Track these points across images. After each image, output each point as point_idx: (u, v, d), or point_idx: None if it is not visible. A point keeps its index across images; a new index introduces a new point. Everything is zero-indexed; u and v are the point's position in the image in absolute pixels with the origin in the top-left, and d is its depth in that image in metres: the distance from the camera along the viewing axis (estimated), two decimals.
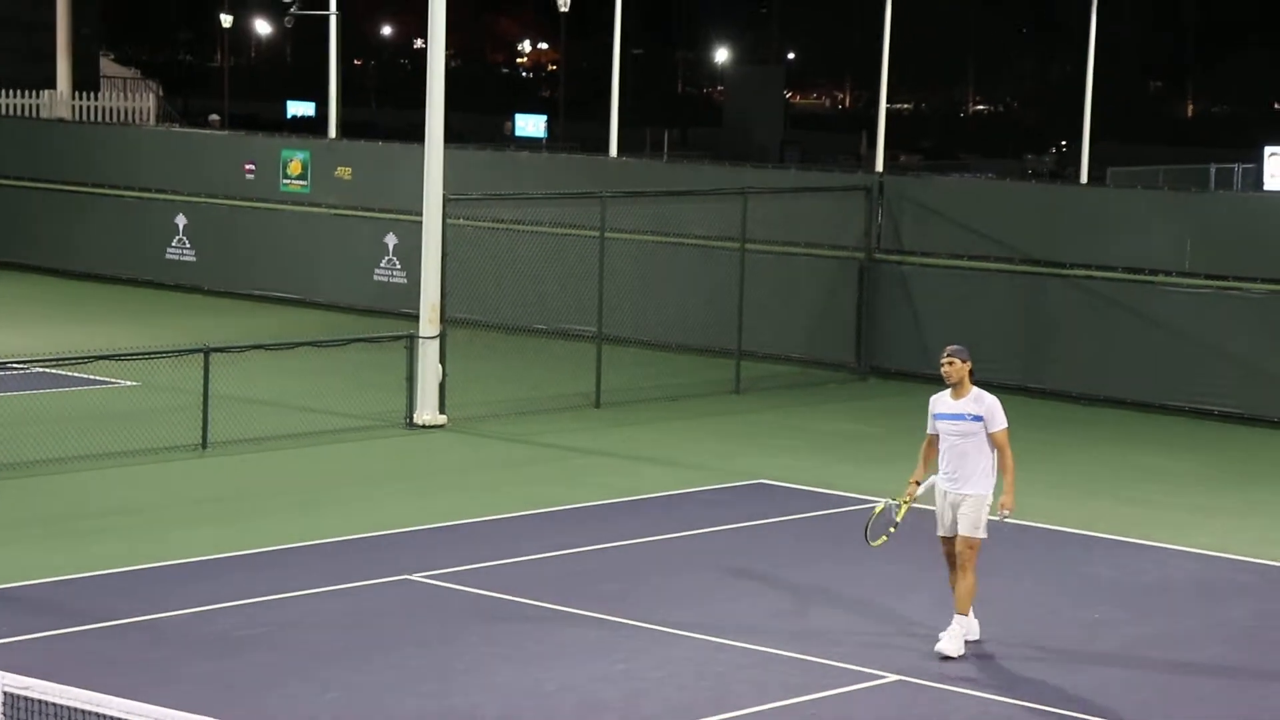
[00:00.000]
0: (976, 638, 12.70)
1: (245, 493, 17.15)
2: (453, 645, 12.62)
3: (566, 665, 12.26)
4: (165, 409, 19.54)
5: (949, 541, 12.59)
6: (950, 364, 12.55)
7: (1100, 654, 12.81)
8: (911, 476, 12.81)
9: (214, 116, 64.66)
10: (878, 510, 12.85)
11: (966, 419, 12.46)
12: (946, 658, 12.37)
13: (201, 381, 18.76)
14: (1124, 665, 12.59)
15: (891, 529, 12.74)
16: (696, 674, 12.15)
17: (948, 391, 12.65)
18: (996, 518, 12.57)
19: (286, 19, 33.69)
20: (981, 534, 12.47)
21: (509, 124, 67.89)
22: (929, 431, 12.68)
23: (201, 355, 19.14)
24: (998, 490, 12.56)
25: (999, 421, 12.45)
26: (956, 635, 12.47)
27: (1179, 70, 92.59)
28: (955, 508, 12.49)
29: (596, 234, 22.44)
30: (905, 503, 12.69)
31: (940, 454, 12.57)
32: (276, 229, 29.52)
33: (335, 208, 29.00)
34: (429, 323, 20.31)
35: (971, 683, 12.09)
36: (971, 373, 12.60)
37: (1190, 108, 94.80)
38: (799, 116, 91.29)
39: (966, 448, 12.43)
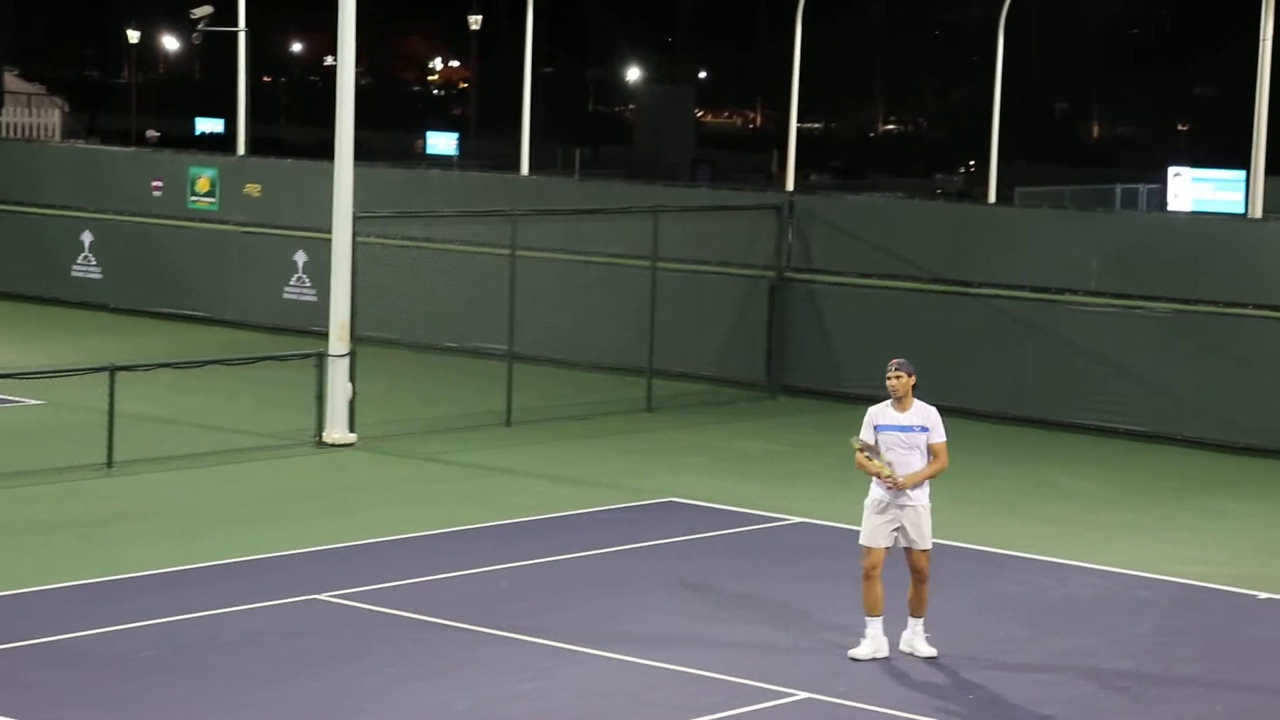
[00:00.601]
0: (886, 654, 12.76)
1: (151, 512, 16.98)
2: (360, 666, 12.53)
3: (476, 684, 12.21)
4: (70, 428, 19.33)
5: (881, 553, 12.69)
6: (897, 377, 12.76)
7: (1007, 670, 12.89)
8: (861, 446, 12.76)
9: (152, 132, 64.08)
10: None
11: (915, 430, 12.72)
12: (933, 658, 12.78)
13: (107, 400, 18.56)
14: (1031, 682, 12.67)
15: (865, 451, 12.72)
16: (606, 693, 12.13)
17: (888, 404, 12.83)
18: (889, 480, 12.64)
19: (195, 35, 33.43)
20: (931, 544, 12.83)
21: (420, 141, 67.73)
22: (864, 439, 12.75)
23: (107, 374, 18.93)
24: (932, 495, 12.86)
25: (942, 433, 12.82)
26: (924, 635, 12.89)
27: (1084, 92, 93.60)
28: (900, 520, 12.63)
29: (508, 252, 22.40)
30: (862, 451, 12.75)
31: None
32: (184, 246, 29.28)
33: (244, 225, 28.81)
34: (338, 341, 20.19)
35: (880, 699, 12.13)
36: (914, 385, 12.80)
37: (1096, 129, 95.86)
38: (710, 135, 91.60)
39: (911, 459, 12.70)
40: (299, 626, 13.39)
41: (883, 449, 12.72)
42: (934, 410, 12.89)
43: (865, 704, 12.05)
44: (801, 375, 24.17)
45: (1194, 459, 20.95)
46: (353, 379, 20.22)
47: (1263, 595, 15.07)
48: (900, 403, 12.80)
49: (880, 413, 12.84)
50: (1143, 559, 16.14)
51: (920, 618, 12.96)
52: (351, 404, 20.19)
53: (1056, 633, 13.88)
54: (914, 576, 12.87)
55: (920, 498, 12.78)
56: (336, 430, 20.05)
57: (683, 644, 13.17)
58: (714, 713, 11.82)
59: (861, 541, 12.85)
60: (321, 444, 19.96)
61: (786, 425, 22.35)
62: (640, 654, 12.90)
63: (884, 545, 12.75)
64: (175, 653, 12.69)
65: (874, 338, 23.41)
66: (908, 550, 12.81)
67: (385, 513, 17.14)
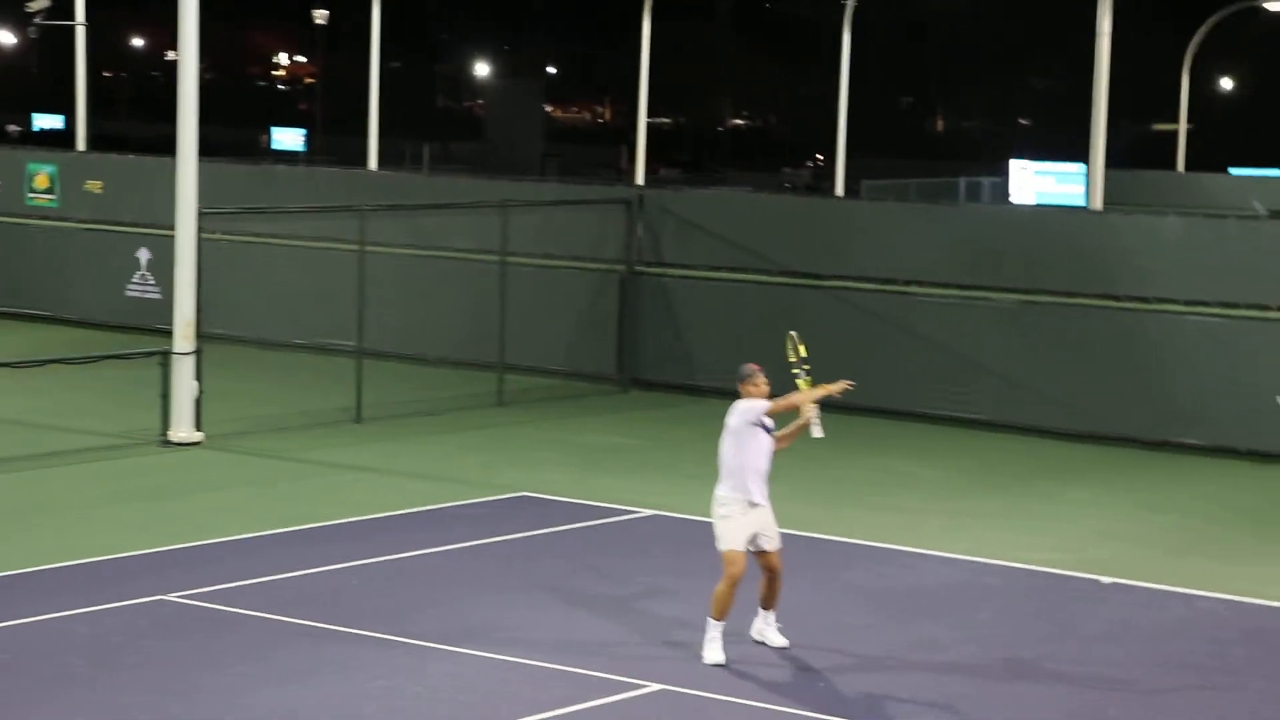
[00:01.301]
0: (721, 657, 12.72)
1: None
2: (208, 666, 12.38)
3: (325, 683, 12.10)
4: None
5: (742, 556, 12.59)
6: (764, 382, 12.80)
7: (858, 659, 13.02)
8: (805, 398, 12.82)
9: (12, 127, 62.73)
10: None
11: (772, 432, 12.85)
12: (786, 648, 12.86)
13: None
14: (881, 669, 12.81)
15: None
16: (458, 689, 12.09)
17: (760, 404, 12.72)
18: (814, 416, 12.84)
19: (31, 29, 32.86)
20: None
21: (265, 137, 67.06)
22: (734, 434, 12.68)
23: None
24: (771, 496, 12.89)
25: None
26: (774, 624, 12.96)
27: (928, 87, 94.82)
28: (752, 523, 12.60)
29: (356, 248, 22.24)
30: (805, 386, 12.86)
31: (752, 467, 12.61)
32: (24, 243, 28.77)
33: (86, 222, 28.35)
34: (183, 338, 19.94)
35: (733, 690, 12.20)
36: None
37: (940, 123, 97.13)
38: (559, 130, 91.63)
39: (767, 461, 12.80)
40: (147, 628, 13.21)
41: (756, 451, 12.64)
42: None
43: (718, 694, 12.10)
44: (652, 369, 24.24)
45: (1038, 447, 21.29)
46: (199, 377, 19.97)
47: (1105, 580, 15.35)
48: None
49: (757, 410, 12.76)
50: (989, 546, 16.37)
51: (772, 609, 13.02)
52: (198, 402, 19.95)
53: (905, 621, 14.04)
54: (767, 574, 12.87)
55: (766, 498, 12.73)
56: (182, 429, 19.80)
57: (536, 638, 13.16)
58: (567, 706, 11.82)
59: (728, 548, 12.59)
60: (167, 443, 19.70)
61: (638, 418, 22.41)
62: (493, 649, 12.86)
63: (746, 550, 12.67)
64: (19, 657, 12.45)
65: (724, 331, 23.55)
66: (761, 553, 12.73)
67: (233, 511, 16.95)
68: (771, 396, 12.80)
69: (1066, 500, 18.62)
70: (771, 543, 12.78)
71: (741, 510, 12.63)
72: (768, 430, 12.79)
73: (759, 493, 12.66)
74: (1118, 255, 21.68)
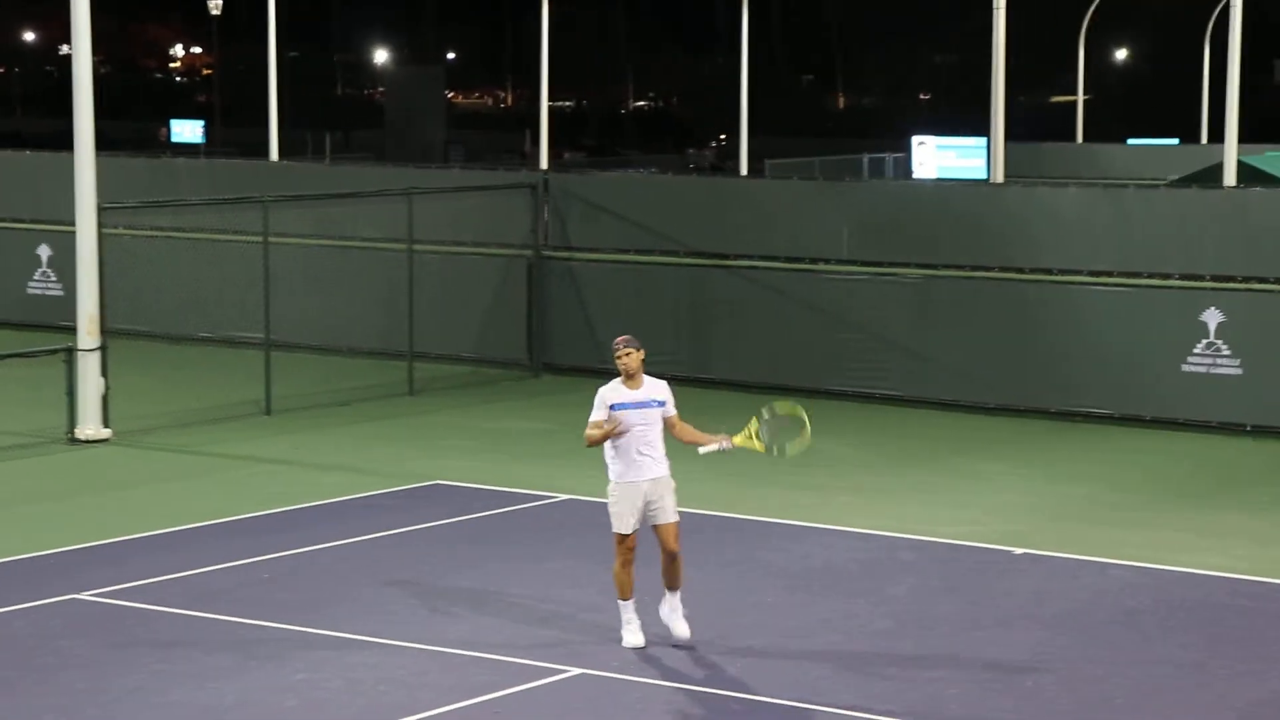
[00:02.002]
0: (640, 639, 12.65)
1: None
2: (122, 665, 12.28)
3: (244, 678, 12.03)
4: None
5: (632, 538, 12.45)
6: (628, 354, 12.53)
7: (773, 637, 13.07)
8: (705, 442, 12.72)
9: None
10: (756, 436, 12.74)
11: (653, 405, 12.54)
12: (681, 640, 12.59)
13: None
14: (798, 647, 12.87)
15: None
16: (378, 680, 12.04)
17: (618, 381, 12.57)
18: (715, 447, 12.68)
19: None
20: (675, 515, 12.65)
21: (164, 130, 66.43)
22: (600, 418, 12.51)
23: None
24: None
25: (674, 403, 12.69)
26: (682, 614, 12.69)
27: (828, 64, 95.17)
28: (651, 496, 12.45)
29: (260, 239, 22.07)
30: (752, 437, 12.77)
31: (624, 447, 12.45)
32: None
33: None
34: (88, 335, 19.74)
35: (652, 672, 12.23)
36: (643, 360, 12.65)
37: (842, 100, 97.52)
38: (461, 116, 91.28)
39: (652, 434, 12.52)
40: (59, 628, 13.07)
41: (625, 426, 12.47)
42: (664, 383, 12.69)
43: (637, 677, 12.13)
44: (563, 353, 24.23)
45: (948, 421, 21.45)
46: (105, 374, 19.78)
47: (1018, 551, 15.50)
48: (632, 379, 12.53)
49: (614, 391, 12.53)
50: (903, 521, 16.48)
51: (676, 590, 12.71)
52: (105, 399, 19.75)
53: (821, 597, 14.12)
54: (665, 552, 12.56)
55: (666, 469, 12.57)
56: (89, 426, 19.60)
57: (453, 626, 13.13)
58: (488, 693, 11.81)
59: (617, 529, 12.49)
60: (74, 441, 19.49)
61: (550, 403, 22.39)
62: (411, 638, 12.83)
63: (636, 528, 12.51)
64: None
65: (633, 313, 23.55)
66: (657, 527, 12.51)
67: (144, 508, 16.80)
68: (638, 371, 12.55)
69: (978, 473, 18.77)
70: (665, 516, 12.53)
71: (630, 491, 12.49)
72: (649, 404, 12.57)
73: (648, 466, 12.50)
74: (1020, 228, 21.86)
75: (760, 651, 12.71)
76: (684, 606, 12.77)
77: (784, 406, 13.01)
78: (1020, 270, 21.74)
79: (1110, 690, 12.06)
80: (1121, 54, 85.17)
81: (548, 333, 24.32)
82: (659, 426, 12.60)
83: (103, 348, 19.82)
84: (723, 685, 12.01)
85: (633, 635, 12.64)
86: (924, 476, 18.60)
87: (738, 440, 12.88)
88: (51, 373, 20.08)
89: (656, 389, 12.64)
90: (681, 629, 12.70)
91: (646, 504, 12.54)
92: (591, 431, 12.52)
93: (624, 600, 12.64)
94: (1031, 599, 14.12)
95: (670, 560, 12.62)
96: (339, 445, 19.77)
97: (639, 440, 12.49)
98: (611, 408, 12.53)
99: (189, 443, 19.71)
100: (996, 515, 16.90)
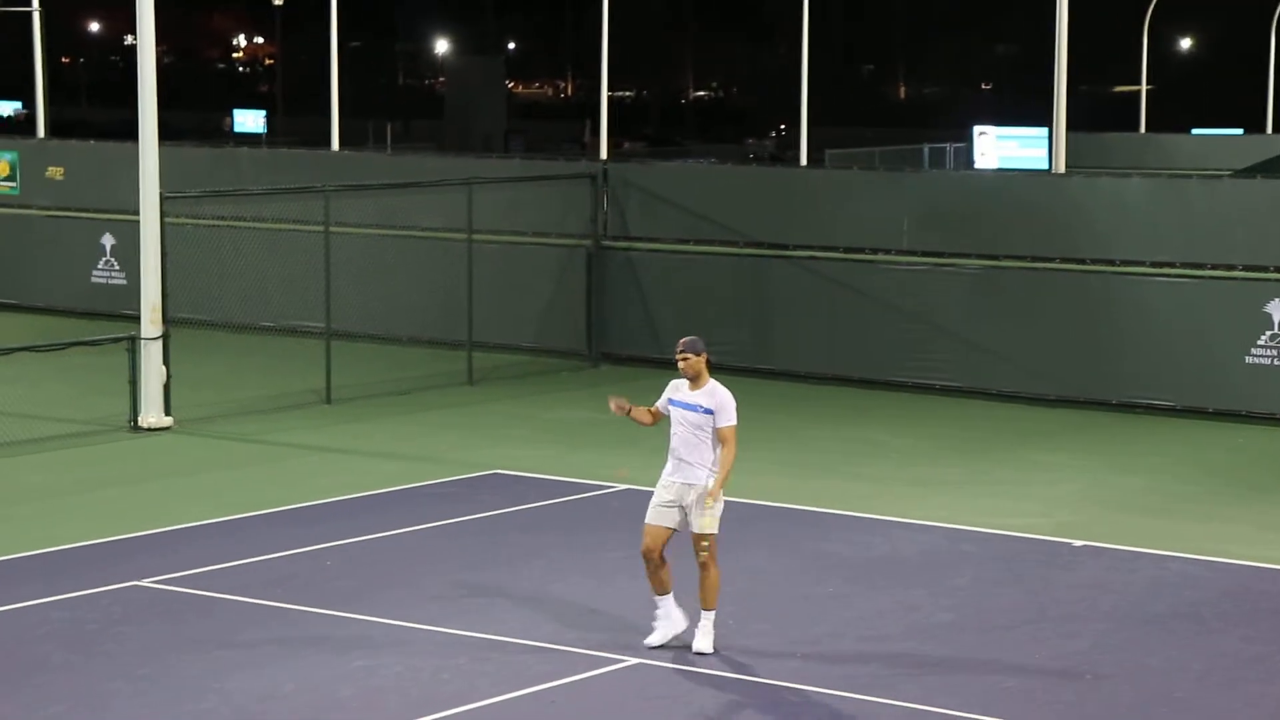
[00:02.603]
0: (682, 629, 12.40)
1: None
2: (185, 651, 12.36)
3: (303, 666, 12.09)
4: None
5: (660, 532, 12.24)
6: (684, 359, 12.31)
7: (834, 628, 13.05)
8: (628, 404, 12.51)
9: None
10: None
11: (699, 411, 12.25)
12: (703, 654, 12.25)
13: None
14: (857, 638, 12.84)
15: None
16: (436, 668, 12.09)
17: (687, 381, 12.44)
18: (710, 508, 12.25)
19: None
20: (715, 529, 12.26)
21: (228, 120, 66.80)
22: (658, 405, 12.51)
23: None
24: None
25: (727, 417, 12.23)
26: (709, 631, 12.33)
27: (890, 54, 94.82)
28: (681, 499, 12.27)
29: (321, 229, 22.17)
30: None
31: (671, 445, 12.37)
32: None
33: (48, 209, 28.22)
34: (151, 323, 19.88)
35: (708, 662, 12.22)
36: (709, 363, 12.40)
37: (903, 90, 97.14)
38: (521, 106, 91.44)
39: (695, 440, 12.25)
40: (121, 614, 13.17)
41: (671, 422, 12.34)
42: (726, 393, 12.29)
43: (693, 667, 12.12)
44: (621, 343, 24.24)
45: (1008, 412, 21.35)
46: (167, 362, 19.91)
47: (1077, 543, 15.42)
48: (694, 382, 12.32)
49: (678, 386, 12.40)
50: (962, 513, 16.42)
51: (706, 610, 12.31)
52: (167, 387, 19.89)
53: (881, 589, 14.07)
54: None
55: (704, 479, 12.20)
56: (152, 414, 19.74)
57: (510, 615, 13.16)
58: (545, 682, 11.83)
59: (646, 520, 12.33)
60: (137, 429, 19.64)
61: (608, 393, 22.30)
62: (469, 627, 12.86)
63: (667, 526, 12.26)
64: None
65: (692, 303, 23.56)
66: (692, 534, 12.23)
67: (205, 495, 16.91)
68: (699, 374, 12.30)
69: (1037, 465, 18.68)
70: (693, 524, 12.22)
71: (663, 486, 12.33)
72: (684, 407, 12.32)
73: (685, 470, 12.26)
74: (1082, 218, 21.73)
75: (818, 643, 12.69)
76: (714, 627, 12.33)
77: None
78: (1082, 261, 21.61)
79: (1171, 684, 11.98)
80: (1186, 43, 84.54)
81: (606, 323, 24.33)
82: (706, 434, 12.22)
83: (165, 336, 19.95)
84: (779, 676, 11.99)
85: (655, 634, 12.35)
86: (984, 468, 18.51)
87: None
88: (114, 361, 20.23)
89: (711, 397, 12.24)
90: (699, 643, 12.30)
91: (680, 507, 12.29)
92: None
93: (657, 596, 12.40)
94: (1092, 591, 14.04)
95: (701, 572, 12.27)
96: (398, 434, 19.84)
97: (680, 442, 12.28)
98: (669, 401, 12.45)
99: (250, 431, 19.82)
100: (1057, 507, 16.81)
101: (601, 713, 11.49)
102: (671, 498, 12.34)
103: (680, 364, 12.38)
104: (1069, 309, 21.66)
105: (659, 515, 12.34)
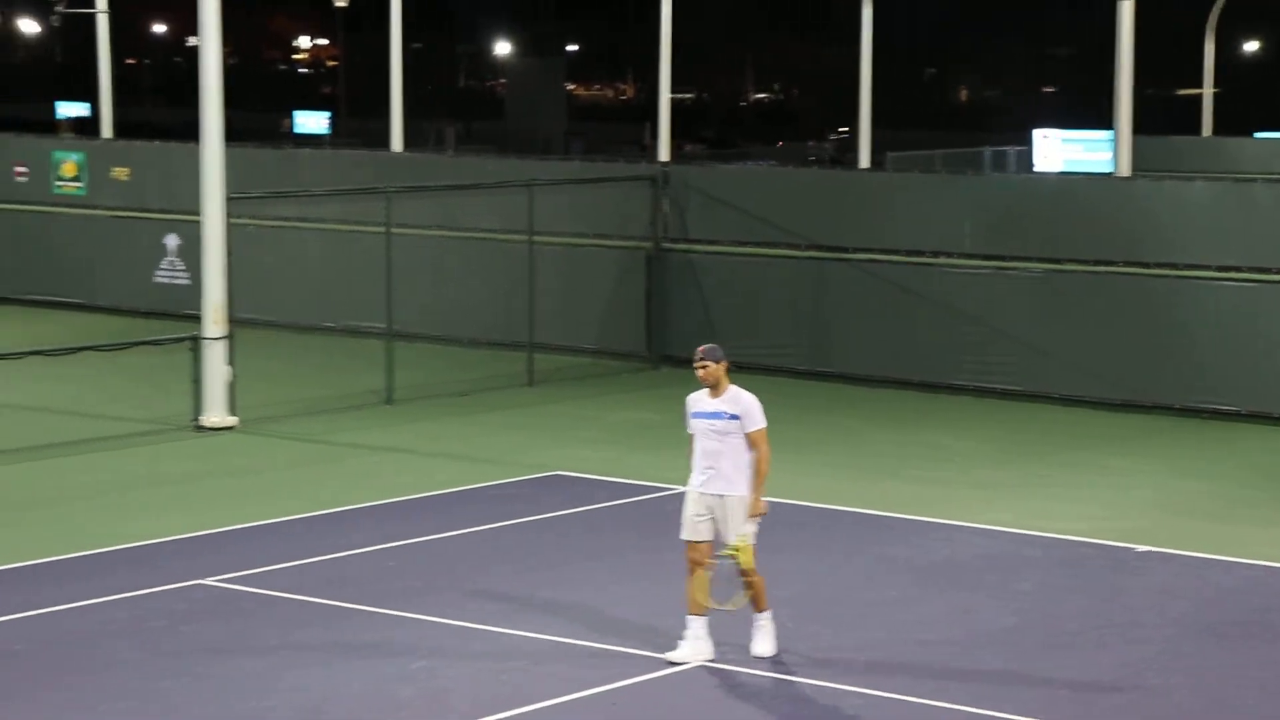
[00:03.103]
0: (710, 657, 12.16)
1: (28, 502, 16.72)
2: (248, 649, 12.42)
3: (365, 666, 12.13)
4: None
5: (702, 547, 12.11)
6: (703, 367, 12.12)
7: (895, 632, 13.00)
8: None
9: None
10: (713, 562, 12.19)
11: (724, 418, 12.05)
12: (763, 657, 12.19)
13: None
14: (918, 642, 12.79)
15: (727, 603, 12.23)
16: (498, 669, 12.11)
17: (706, 390, 12.23)
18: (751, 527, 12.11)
19: (53, 17, 32.93)
20: (751, 539, 12.10)
21: (287, 121, 67.07)
22: (688, 431, 12.30)
23: None
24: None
25: (755, 420, 12.05)
26: (769, 632, 12.25)
27: (952, 56, 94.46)
28: (712, 511, 12.13)
29: (382, 230, 22.25)
30: (735, 551, 12.10)
31: (696, 455, 12.18)
32: (52, 232, 28.86)
33: (113, 209, 28.43)
34: (214, 324, 19.99)
35: (769, 665, 12.19)
36: (729, 369, 12.20)
37: (964, 93, 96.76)
38: (582, 108, 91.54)
39: (723, 447, 12.06)
40: (186, 612, 13.25)
41: (696, 436, 12.18)
42: (750, 397, 12.09)
43: (754, 670, 12.10)
44: (681, 345, 24.18)
45: (1071, 416, 21.23)
46: (230, 361, 20.02)
47: (1141, 548, 15.32)
48: (714, 389, 12.14)
49: (697, 400, 12.22)
50: (1025, 517, 16.34)
51: (757, 610, 12.19)
52: (230, 387, 20.00)
53: (943, 592, 14.02)
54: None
55: (732, 489, 12.02)
56: (215, 414, 19.85)
57: (573, 617, 13.17)
58: (606, 684, 11.83)
59: (682, 536, 12.22)
60: (200, 428, 19.75)
61: (668, 395, 22.35)
62: (531, 628, 12.88)
63: (706, 538, 12.12)
64: (62, 643, 12.51)
65: (752, 305, 23.53)
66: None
67: (268, 495, 16.99)
68: (718, 382, 12.05)
69: (1101, 469, 18.57)
70: (725, 535, 12.07)
71: (691, 498, 12.17)
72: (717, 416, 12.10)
73: (712, 480, 12.09)
74: (1146, 222, 21.59)
75: (880, 646, 12.65)
76: (772, 626, 12.24)
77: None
78: (1146, 265, 21.47)
79: (1238, 691, 11.88)
80: (1251, 46, 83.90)
81: (666, 325, 24.33)
82: (733, 441, 12.00)
83: (228, 336, 20.07)
84: (841, 679, 11.95)
85: (679, 650, 12.14)
86: (1047, 472, 18.42)
87: (735, 543, 12.06)
88: (178, 361, 20.36)
89: (735, 402, 12.06)
90: (758, 645, 12.23)
91: (713, 519, 12.15)
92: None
93: (689, 615, 12.17)
94: (1157, 597, 13.95)
95: (743, 580, 12.14)
96: (459, 435, 19.89)
97: (705, 451, 12.10)
98: (691, 416, 12.21)
99: (312, 431, 19.91)
100: (1121, 512, 16.71)
101: (663, 715, 11.49)
102: (703, 510, 12.15)
103: (699, 371, 12.16)
104: (1132, 313, 21.52)
105: (694, 530, 12.17)
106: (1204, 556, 15.10)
